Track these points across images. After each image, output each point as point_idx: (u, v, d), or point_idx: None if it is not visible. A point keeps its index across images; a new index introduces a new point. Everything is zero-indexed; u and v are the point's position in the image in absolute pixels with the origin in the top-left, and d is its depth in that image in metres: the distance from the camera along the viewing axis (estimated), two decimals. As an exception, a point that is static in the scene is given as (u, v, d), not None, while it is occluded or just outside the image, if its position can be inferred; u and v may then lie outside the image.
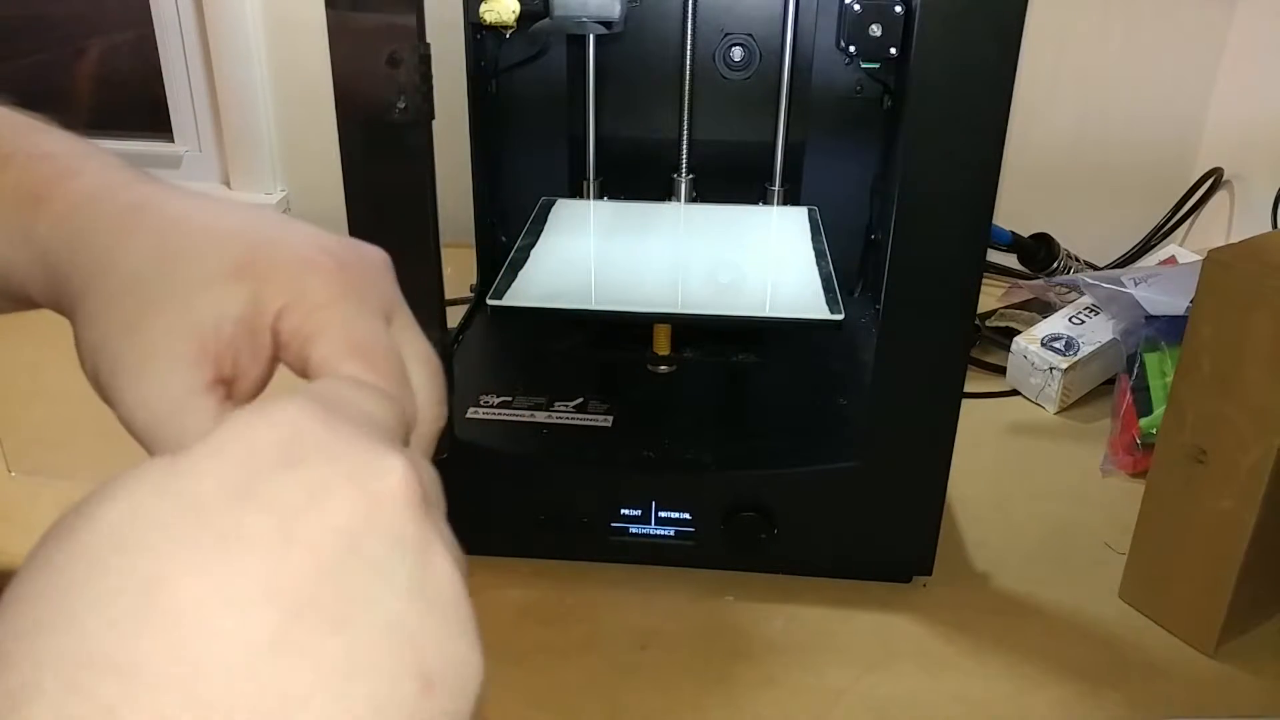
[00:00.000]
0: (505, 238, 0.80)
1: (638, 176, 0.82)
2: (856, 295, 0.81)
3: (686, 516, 0.61)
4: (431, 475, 0.25)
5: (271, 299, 0.28)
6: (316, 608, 0.20)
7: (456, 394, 0.59)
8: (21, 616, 0.19)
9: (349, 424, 0.23)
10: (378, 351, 0.29)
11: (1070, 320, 0.87)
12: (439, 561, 0.22)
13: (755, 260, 0.73)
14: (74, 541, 0.20)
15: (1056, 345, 0.84)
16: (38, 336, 0.97)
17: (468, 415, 0.64)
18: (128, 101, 1.31)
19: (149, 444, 0.27)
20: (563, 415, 0.64)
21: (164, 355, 0.27)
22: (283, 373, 0.30)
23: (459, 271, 0.71)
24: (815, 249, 0.71)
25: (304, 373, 0.29)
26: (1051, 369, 0.83)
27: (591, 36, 0.76)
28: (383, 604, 0.21)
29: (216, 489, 0.21)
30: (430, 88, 0.50)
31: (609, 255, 0.73)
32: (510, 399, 0.65)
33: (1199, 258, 0.85)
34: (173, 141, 1.26)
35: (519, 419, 0.64)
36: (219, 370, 0.28)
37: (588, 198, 0.81)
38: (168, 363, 0.27)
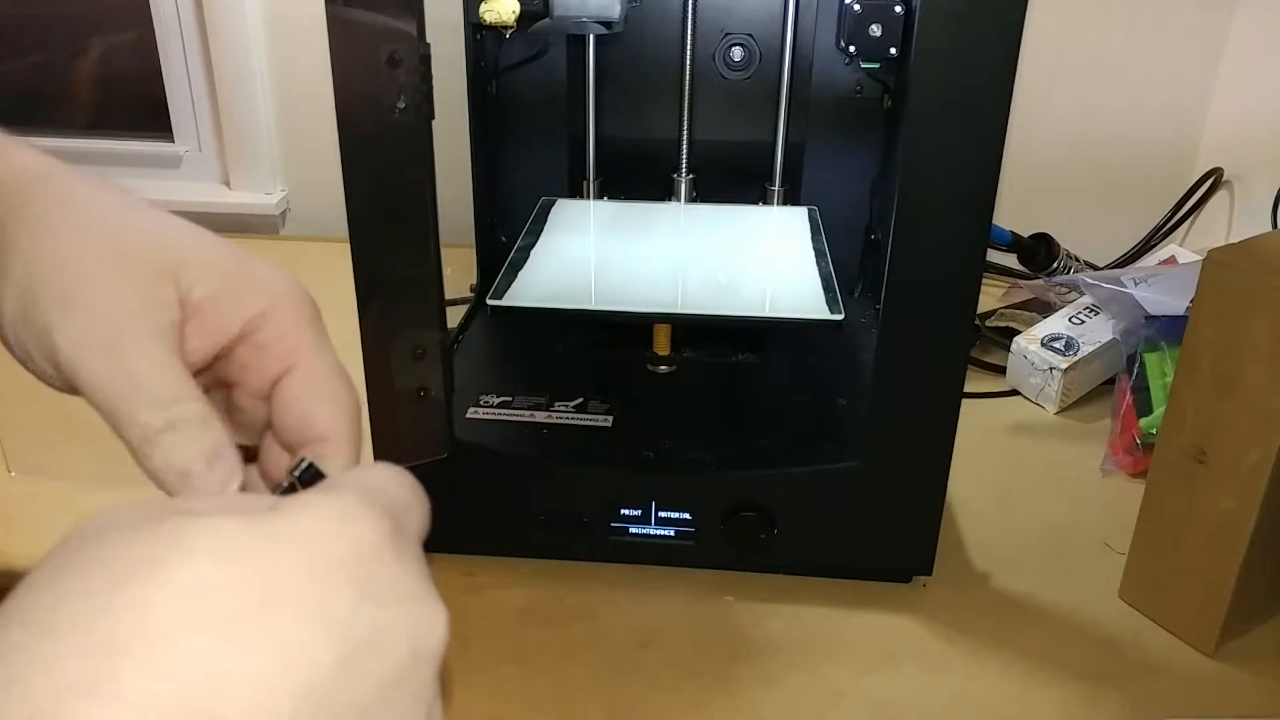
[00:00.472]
0: (505, 238, 0.80)
1: (638, 176, 0.82)
2: (856, 295, 0.81)
3: (686, 516, 0.61)
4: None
5: (249, 299, 0.30)
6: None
7: (456, 394, 0.59)
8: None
9: (410, 552, 0.23)
10: (340, 386, 0.30)
11: (1070, 320, 0.87)
12: (438, 713, 0.23)
13: (755, 260, 0.73)
14: (137, 589, 0.19)
15: (1056, 345, 0.84)
16: (38, 336, 0.95)
17: (468, 415, 0.64)
18: (128, 101, 1.31)
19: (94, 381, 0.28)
20: (563, 415, 0.64)
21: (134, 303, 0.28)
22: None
23: (459, 271, 0.71)
24: (815, 249, 0.71)
25: (259, 382, 0.30)
26: (1051, 369, 0.83)
27: (591, 36, 0.76)
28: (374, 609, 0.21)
29: (289, 582, 0.20)
30: (430, 88, 0.50)
31: (609, 255, 0.73)
32: (510, 399, 0.65)
33: (1199, 258, 0.85)
34: (173, 141, 1.26)
35: (519, 419, 0.64)
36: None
37: (588, 198, 0.81)
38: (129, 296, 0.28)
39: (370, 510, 0.22)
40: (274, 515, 0.21)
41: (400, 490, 0.25)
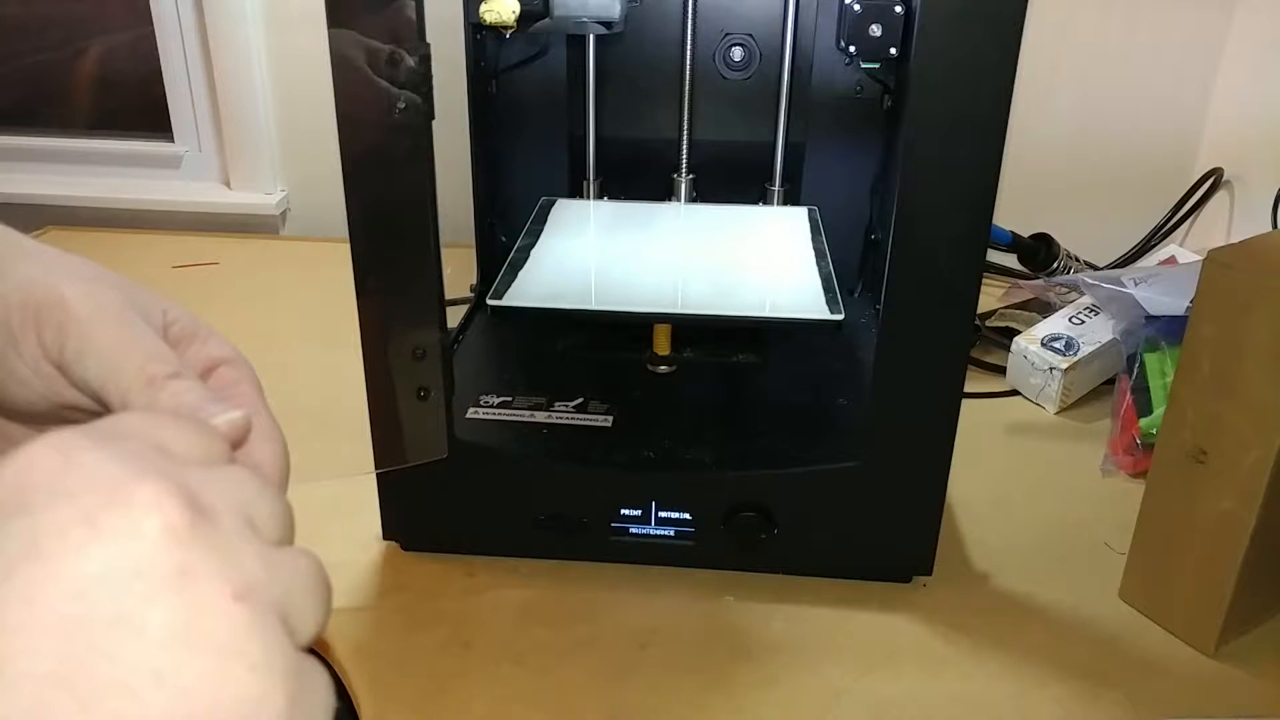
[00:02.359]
0: (505, 238, 0.80)
1: (638, 176, 0.82)
2: (856, 295, 0.81)
3: (686, 516, 0.61)
4: (237, 492, 0.23)
5: (213, 348, 0.33)
6: (56, 684, 0.17)
7: (456, 394, 0.59)
8: None
9: (104, 455, 0.21)
10: (239, 358, 0.33)
11: (1070, 320, 0.87)
12: (207, 590, 0.20)
13: (755, 260, 0.73)
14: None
15: (1056, 345, 0.84)
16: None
17: (468, 415, 0.64)
18: (128, 101, 1.31)
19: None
20: (563, 415, 0.64)
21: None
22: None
23: (459, 271, 0.71)
24: (815, 249, 0.71)
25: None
26: (1051, 369, 0.83)
27: (591, 36, 0.76)
28: (132, 664, 0.18)
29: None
30: (430, 88, 0.50)
31: (609, 255, 0.73)
32: (510, 399, 0.65)
33: (1199, 258, 0.85)
34: (173, 141, 1.26)
35: (519, 419, 0.64)
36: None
37: (588, 198, 0.81)
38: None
39: (55, 434, 0.21)
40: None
41: (133, 418, 0.25)
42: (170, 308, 0.32)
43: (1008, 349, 0.87)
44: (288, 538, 0.24)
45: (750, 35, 0.78)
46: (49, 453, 0.20)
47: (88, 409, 0.30)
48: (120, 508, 0.19)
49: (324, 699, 0.21)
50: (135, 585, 0.19)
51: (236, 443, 0.29)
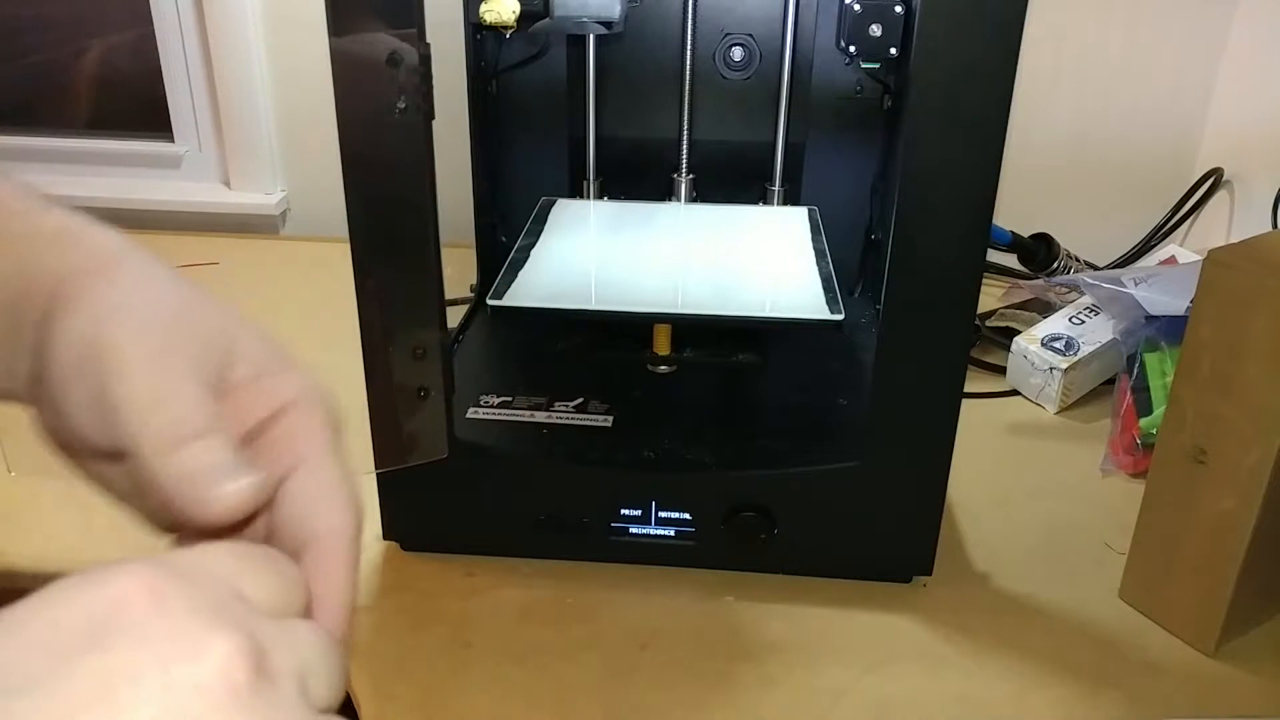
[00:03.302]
0: (505, 238, 0.80)
1: (638, 176, 0.82)
2: (856, 295, 0.81)
3: (686, 516, 0.61)
4: (302, 653, 0.23)
5: (282, 389, 0.31)
6: None
7: (457, 394, 0.59)
8: None
9: (190, 600, 0.21)
10: (347, 492, 0.30)
11: (1070, 320, 0.87)
12: None
13: (755, 260, 0.73)
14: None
15: (1056, 345, 0.84)
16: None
17: (468, 415, 0.64)
18: (128, 101, 1.31)
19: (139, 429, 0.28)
20: (563, 415, 0.64)
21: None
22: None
23: (459, 271, 0.71)
24: (815, 249, 0.71)
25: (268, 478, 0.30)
26: (1051, 369, 0.83)
27: (591, 36, 0.76)
28: None
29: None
30: (430, 88, 0.50)
31: (609, 255, 0.73)
32: (510, 399, 0.65)
33: (1199, 258, 0.85)
34: (173, 141, 1.26)
35: (519, 419, 0.64)
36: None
37: (588, 198, 0.81)
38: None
39: (143, 564, 0.21)
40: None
41: (216, 556, 0.24)
42: (241, 340, 0.31)
43: (1008, 349, 0.87)
44: (336, 699, 0.24)
45: (750, 35, 0.78)
46: (142, 593, 0.20)
47: None
48: (194, 661, 0.20)
49: None
50: None
51: (262, 505, 0.28)
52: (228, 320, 0.31)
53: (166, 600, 0.20)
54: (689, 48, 0.76)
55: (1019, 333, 0.87)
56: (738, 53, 0.79)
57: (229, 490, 0.27)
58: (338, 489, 0.30)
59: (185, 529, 0.29)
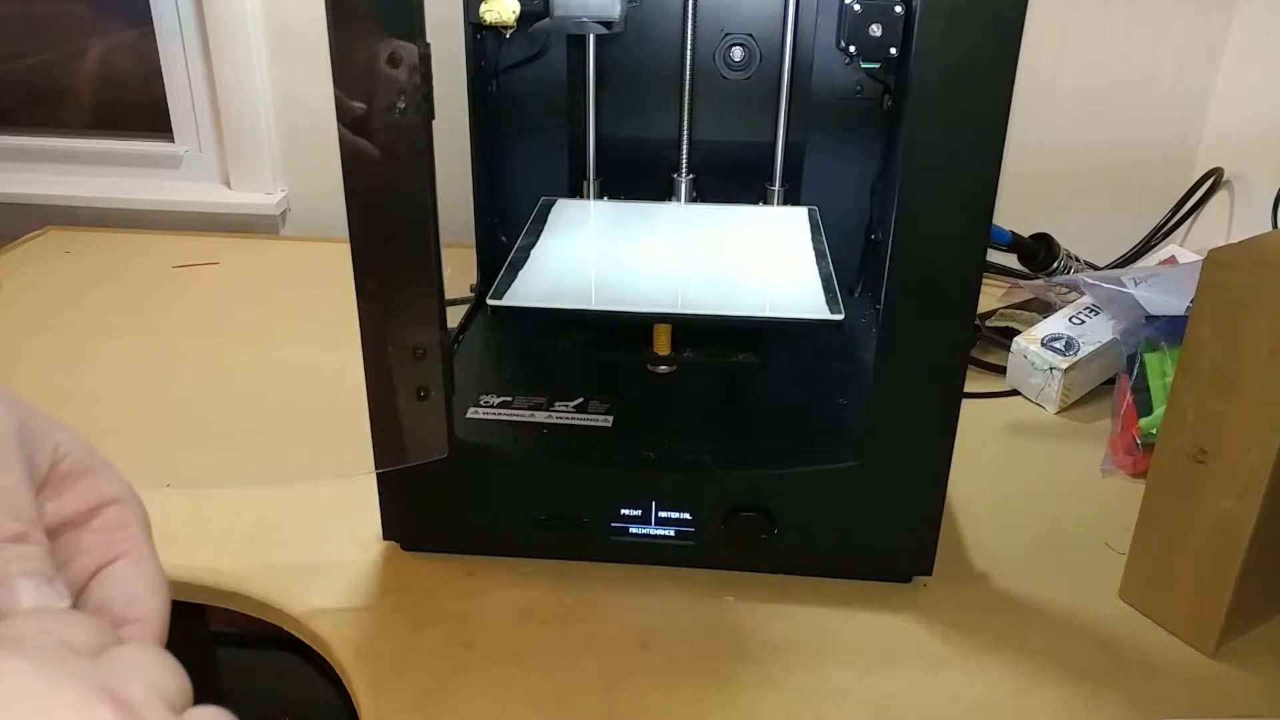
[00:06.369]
0: (505, 238, 0.80)
1: (638, 176, 0.82)
2: (856, 295, 0.81)
3: (686, 516, 0.61)
4: (146, 674, 0.24)
5: (106, 485, 0.32)
6: None
7: (457, 394, 0.59)
8: None
9: (25, 665, 0.21)
10: (164, 583, 0.32)
11: (1070, 320, 0.87)
12: None
13: (755, 260, 0.73)
14: None
15: (1056, 345, 0.84)
16: (37, 336, 0.97)
17: (468, 415, 0.64)
18: (128, 101, 1.31)
19: None
20: (563, 415, 0.64)
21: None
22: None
23: (459, 271, 0.71)
24: (815, 249, 0.71)
25: (87, 563, 0.31)
26: (1051, 369, 0.83)
27: (591, 36, 0.76)
28: None
29: None
30: (430, 88, 0.50)
31: (609, 255, 0.73)
32: (510, 399, 0.65)
33: (1199, 258, 0.85)
34: (173, 141, 1.26)
35: (519, 419, 0.64)
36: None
37: (588, 198, 0.81)
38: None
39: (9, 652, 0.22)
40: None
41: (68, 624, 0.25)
42: (64, 440, 0.32)
43: (1008, 349, 0.87)
44: (189, 699, 0.25)
45: (750, 35, 0.78)
46: (25, 669, 0.21)
47: None
48: (51, 717, 0.20)
49: None
50: None
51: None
52: (50, 424, 0.32)
53: (10, 676, 0.21)
54: (689, 48, 0.76)
55: (1019, 333, 0.87)
56: (738, 53, 0.79)
57: (28, 600, 0.28)
58: (158, 581, 0.31)
59: None
